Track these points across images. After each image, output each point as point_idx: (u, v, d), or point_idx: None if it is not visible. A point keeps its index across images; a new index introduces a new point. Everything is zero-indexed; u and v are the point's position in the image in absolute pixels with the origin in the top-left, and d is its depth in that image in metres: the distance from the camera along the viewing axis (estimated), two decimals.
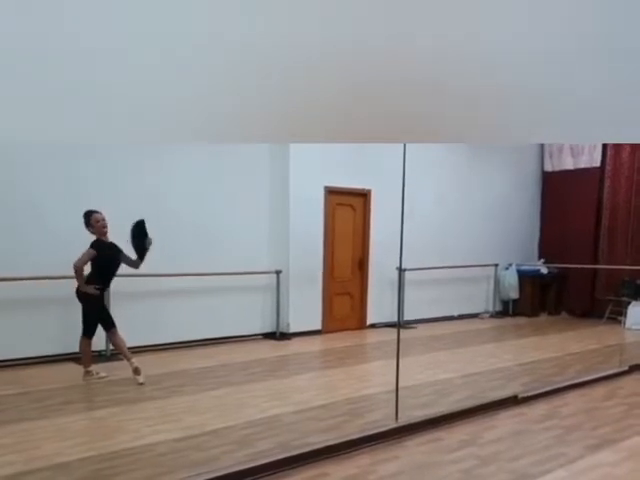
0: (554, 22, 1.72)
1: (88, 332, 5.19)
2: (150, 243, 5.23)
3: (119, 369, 5.52)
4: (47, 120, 1.73)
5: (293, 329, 7.52)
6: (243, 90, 1.74)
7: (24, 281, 5.40)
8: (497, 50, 1.73)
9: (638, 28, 1.73)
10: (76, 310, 5.73)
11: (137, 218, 6.23)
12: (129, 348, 6.16)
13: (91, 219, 5.04)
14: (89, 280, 5.09)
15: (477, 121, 1.84)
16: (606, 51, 1.74)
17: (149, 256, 6.33)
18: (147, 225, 5.83)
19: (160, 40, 1.66)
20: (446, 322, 9.07)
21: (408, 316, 8.49)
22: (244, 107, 1.77)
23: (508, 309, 10.28)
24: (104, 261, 5.09)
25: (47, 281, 5.56)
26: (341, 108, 1.79)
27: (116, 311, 6.07)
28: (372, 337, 7.81)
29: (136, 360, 5.17)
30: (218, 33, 1.66)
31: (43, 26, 1.62)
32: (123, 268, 6.02)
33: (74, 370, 5.50)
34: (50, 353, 5.75)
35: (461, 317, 9.56)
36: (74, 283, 5.61)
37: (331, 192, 7.79)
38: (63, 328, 5.82)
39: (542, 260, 10.58)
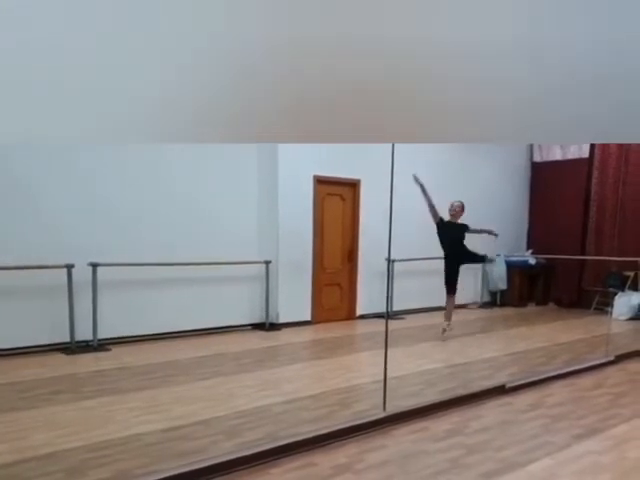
0: (551, 23, 1.72)
1: (447, 290, 7.13)
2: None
3: (107, 359, 5.50)
4: (47, 121, 1.72)
5: (282, 320, 7.52)
6: (235, 91, 1.73)
7: (8, 270, 5.34)
8: (495, 49, 1.73)
9: (634, 30, 1.73)
10: (60, 300, 5.72)
11: (124, 210, 6.24)
12: (118, 338, 6.16)
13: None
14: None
15: (472, 121, 1.83)
16: (604, 52, 1.74)
17: (140, 246, 6.31)
18: (139, 216, 5.82)
19: (159, 41, 1.65)
20: (435, 313, 9.09)
21: (397, 307, 8.51)
22: (237, 108, 1.76)
23: (496, 300, 10.34)
24: (443, 238, 6.96)
25: (33, 270, 5.51)
26: (333, 108, 1.78)
27: (105, 300, 6.06)
28: (361, 328, 7.83)
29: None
30: (215, 34, 1.65)
31: (41, 29, 1.60)
32: (115, 257, 6.03)
33: (61, 360, 5.47)
34: (38, 343, 5.71)
35: None
36: (58, 272, 5.62)
37: (320, 182, 7.78)
38: (50, 318, 5.78)
39: (530, 251, 10.63)
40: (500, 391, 4.67)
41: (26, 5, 1.62)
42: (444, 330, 7.02)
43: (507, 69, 1.76)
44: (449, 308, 7.19)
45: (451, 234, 6.98)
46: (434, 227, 6.95)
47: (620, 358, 6.01)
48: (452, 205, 7.03)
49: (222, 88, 1.72)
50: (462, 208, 7.06)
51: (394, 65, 1.72)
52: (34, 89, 1.68)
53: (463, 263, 7.19)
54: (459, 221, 7.08)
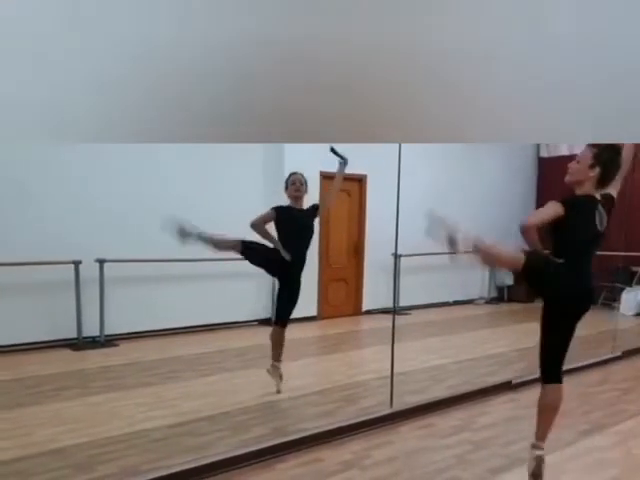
0: (553, 21, 1.71)
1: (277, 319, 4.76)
2: None
3: (114, 355, 5.52)
4: (47, 121, 1.73)
5: None
6: (235, 91, 1.73)
7: (16, 266, 5.36)
8: (495, 49, 1.72)
9: (636, 28, 1.72)
10: (67, 296, 5.73)
11: (131, 207, 6.22)
12: (125, 333, 6.17)
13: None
14: None
15: (475, 120, 1.82)
16: (605, 51, 1.73)
17: (145, 243, 6.28)
18: (143, 214, 5.81)
19: (159, 41, 1.65)
20: (441, 308, 9.08)
21: (403, 302, 8.49)
22: (237, 108, 1.76)
23: (503, 295, 10.31)
24: (285, 230, 4.72)
25: (40, 268, 5.53)
26: (334, 108, 1.78)
27: (112, 297, 6.07)
28: (367, 323, 7.83)
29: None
30: (215, 33, 1.65)
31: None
32: (122, 254, 6.03)
33: (69, 356, 5.50)
34: (44, 339, 5.73)
35: (456, 303, 9.57)
36: (65, 268, 5.63)
37: (326, 177, 7.75)
38: (56, 314, 5.80)
39: None
40: (506, 387, 4.66)
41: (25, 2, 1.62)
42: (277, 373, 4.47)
43: (508, 69, 1.75)
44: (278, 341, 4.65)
45: (297, 225, 4.69)
46: None
47: (627, 354, 5.98)
48: (293, 182, 4.74)
49: (222, 88, 1.71)
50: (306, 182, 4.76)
51: (395, 65, 1.71)
52: (34, 89, 1.68)
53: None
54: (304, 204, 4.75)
